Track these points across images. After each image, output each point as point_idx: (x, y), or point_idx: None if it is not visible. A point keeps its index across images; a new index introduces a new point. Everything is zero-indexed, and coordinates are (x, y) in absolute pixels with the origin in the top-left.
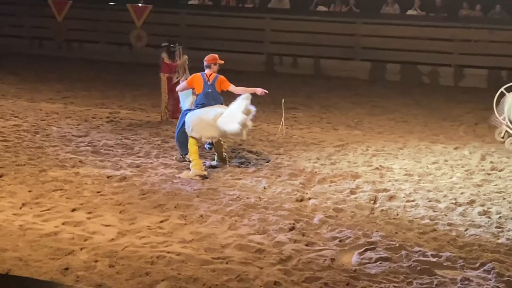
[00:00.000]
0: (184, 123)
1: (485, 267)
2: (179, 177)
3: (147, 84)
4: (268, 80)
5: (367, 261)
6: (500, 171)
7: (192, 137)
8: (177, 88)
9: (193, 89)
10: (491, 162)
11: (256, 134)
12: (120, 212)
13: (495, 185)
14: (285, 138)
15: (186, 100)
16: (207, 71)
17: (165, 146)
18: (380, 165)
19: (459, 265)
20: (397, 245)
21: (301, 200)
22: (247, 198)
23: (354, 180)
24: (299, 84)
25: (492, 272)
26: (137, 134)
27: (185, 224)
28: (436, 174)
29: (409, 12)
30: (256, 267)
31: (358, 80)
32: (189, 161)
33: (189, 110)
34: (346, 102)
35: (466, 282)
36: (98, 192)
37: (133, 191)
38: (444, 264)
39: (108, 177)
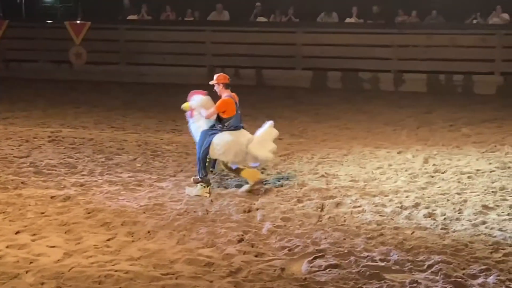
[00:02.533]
0: (210, 144)
1: (433, 269)
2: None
3: (89, 102)
4: (211, 92)
5: (317, 269)
6: (443, 173)
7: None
8: (206, 115)
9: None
10: (434, 164)
11: None
12: (65, 232)
13: (439, 187)
14: None
15: (205, 123)
16: (228, 91)
17: (109, 163)
18: (325, 173)
19: (407, 268)
20: (346, 251)
21: (249, 211)
22: (195, 211)
23: (300, 189)
24: (243, 95)
25: (439, 274)
26: (80, 152)
27: (133, 241)
28: (381, 179)
29: (348, 20)
30: (206, 281)
31: (301, 89)
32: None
33: (212, 130)
34: (290, 111)
35: (414, 285)
36: (42, 213)
37: (78, 210)
38: (393, 268)
39: (51, 197)
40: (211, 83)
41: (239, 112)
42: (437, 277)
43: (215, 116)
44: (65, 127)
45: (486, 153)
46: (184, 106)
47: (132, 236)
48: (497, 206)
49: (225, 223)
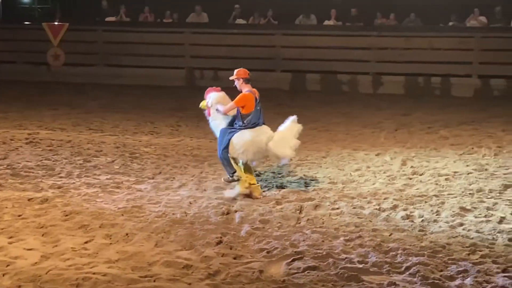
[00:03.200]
0: (228, 142)
1: (411, 271)
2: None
3: (67, 103)
4: (190, 94)
5: (295, 271)
6: (420, 175)
7: (235, 157)
8: (224, 110)
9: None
10: (411, 166)
11: (180, 149)
12: (42, 235)
13: (417, 189)
14: (209, 152)
15: (223, 120)
16: (249, 86)
17: (87, 165)
18: (304, 175)
19: (385, 270)
20: (324, 253)
21: (228, 213)
22: (173, 214)
23: (279, 191)
24: None
25: (417, 275)
26: (58, 154)
27: (111, 243)
28: (359, 181)
29: (326, 22)
30: (185, 284)
31: (280, 91)
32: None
33: (231, 128)
34: (269, 113)
35: (392, 287)
36: (19, 216)
37: (55, 212)
38: (371, 270)
39: (29, 199)
40: (231, 78)
41: (258, 108)
42: (415, 279)
43: (234, 112)
44: (43, 129)
45: (464, 155)
46: (202, 104)
47: (110, 239)
48: (474, 208)
49: (204, 225)
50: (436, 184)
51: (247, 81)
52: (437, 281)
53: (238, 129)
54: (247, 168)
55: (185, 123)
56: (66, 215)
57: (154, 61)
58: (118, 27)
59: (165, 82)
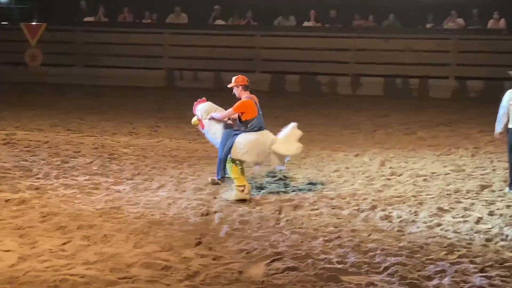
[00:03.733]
0: (233, 143)
1: (389, 271)
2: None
3: (44, 104)
4: (169, 95)
5: (275, 271)
6: (399, 176)
7: (238, 159)
8: (221, 116)
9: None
10: (390, 167)
11: (159, 149)
12: (20, 236)
13: (395, 189)
14: (188, 153)
15: (220, 128)
16: (247, 93)
17: (65, 166)
18: (283, 176)
19: (364, 270)
20: (303, 254)
21: (207, 214)
22: (152, 215)
23: (259, 192)
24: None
25: (395, 276)
26: (36, 155)
27: (89, 245)
28: (338, 182)
29: (306, 24)
30: (163, 285)
31: (259, 92)
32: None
33: (236, 130)
34: None
35: (371, 287)
36: None
37: (33, 214)
38: (350, 270)
39: (6, 201)
40: (229, 86)
41: (260, 112)
42: (393, 279)
43: (235, 116)
44: (20, 129)
45: (441, 156)
46: (193, 121)
47: (88, 240)
48: (452, 208)
49: (183, 226)
50: (414, 185)
51: (246, 87)
52: (415, 281)
53: (243, 131)
54: (242, 171)
55: (164, 124)
56: (44, 216)
57: (133, 62)
58: (96, 27)
59: (144, 82)
